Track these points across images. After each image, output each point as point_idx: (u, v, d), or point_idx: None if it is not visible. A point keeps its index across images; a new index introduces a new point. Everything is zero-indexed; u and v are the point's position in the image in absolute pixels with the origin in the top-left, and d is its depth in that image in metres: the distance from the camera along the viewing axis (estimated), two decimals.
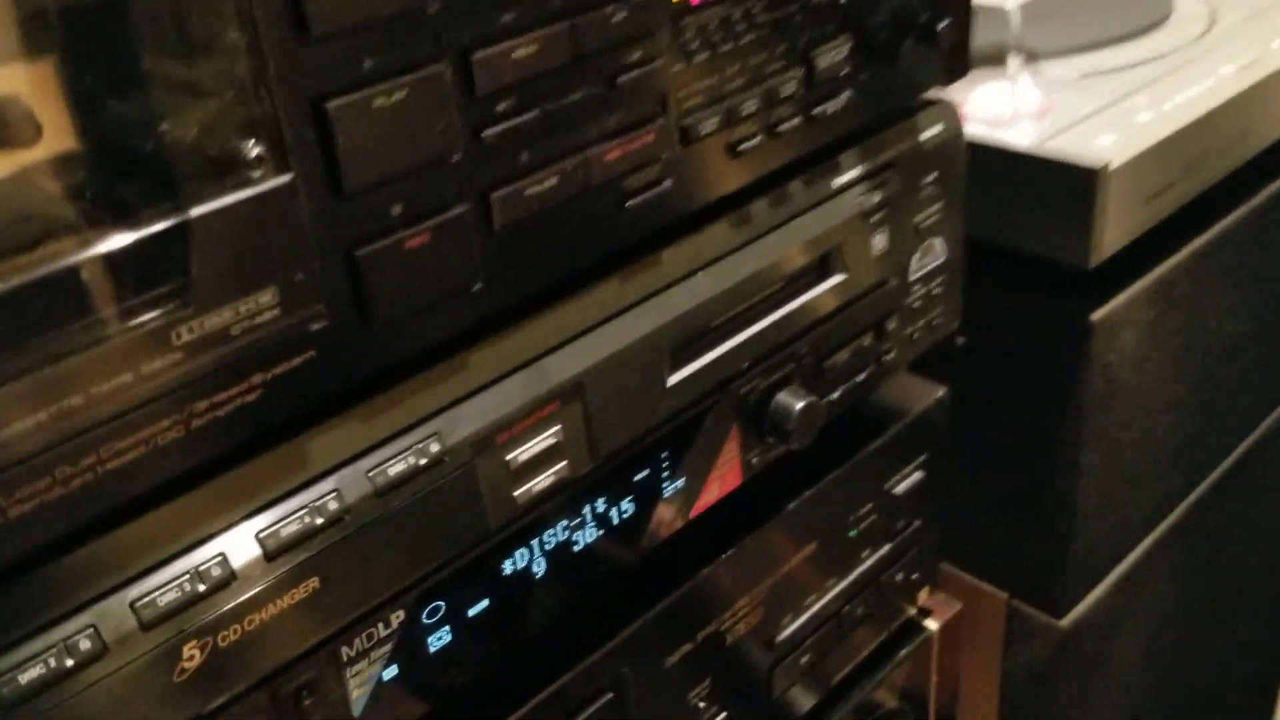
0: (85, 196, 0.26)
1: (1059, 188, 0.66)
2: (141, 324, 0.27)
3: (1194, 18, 0.84)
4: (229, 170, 0.28)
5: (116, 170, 0.26)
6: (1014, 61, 0.71)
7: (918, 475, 0.57)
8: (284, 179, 0.29)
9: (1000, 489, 0.78)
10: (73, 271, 0.26)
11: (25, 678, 0.28)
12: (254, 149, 0.28)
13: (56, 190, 0.25)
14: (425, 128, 0.31)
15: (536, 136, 0.34)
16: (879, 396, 0.57)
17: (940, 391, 0.58)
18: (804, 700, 0.57)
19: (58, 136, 0.26)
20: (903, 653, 0.62)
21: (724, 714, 0.51)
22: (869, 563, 0.56)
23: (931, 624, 0.64)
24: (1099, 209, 0.66)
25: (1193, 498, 0.89)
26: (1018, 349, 0.73)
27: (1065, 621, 0.80)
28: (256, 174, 0.28)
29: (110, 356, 0.27)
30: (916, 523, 0.59)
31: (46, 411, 0.26)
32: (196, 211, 0.27)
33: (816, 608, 0.54)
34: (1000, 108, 0.69)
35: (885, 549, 0.57)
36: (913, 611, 0.62)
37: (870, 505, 0.55)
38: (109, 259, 0.26)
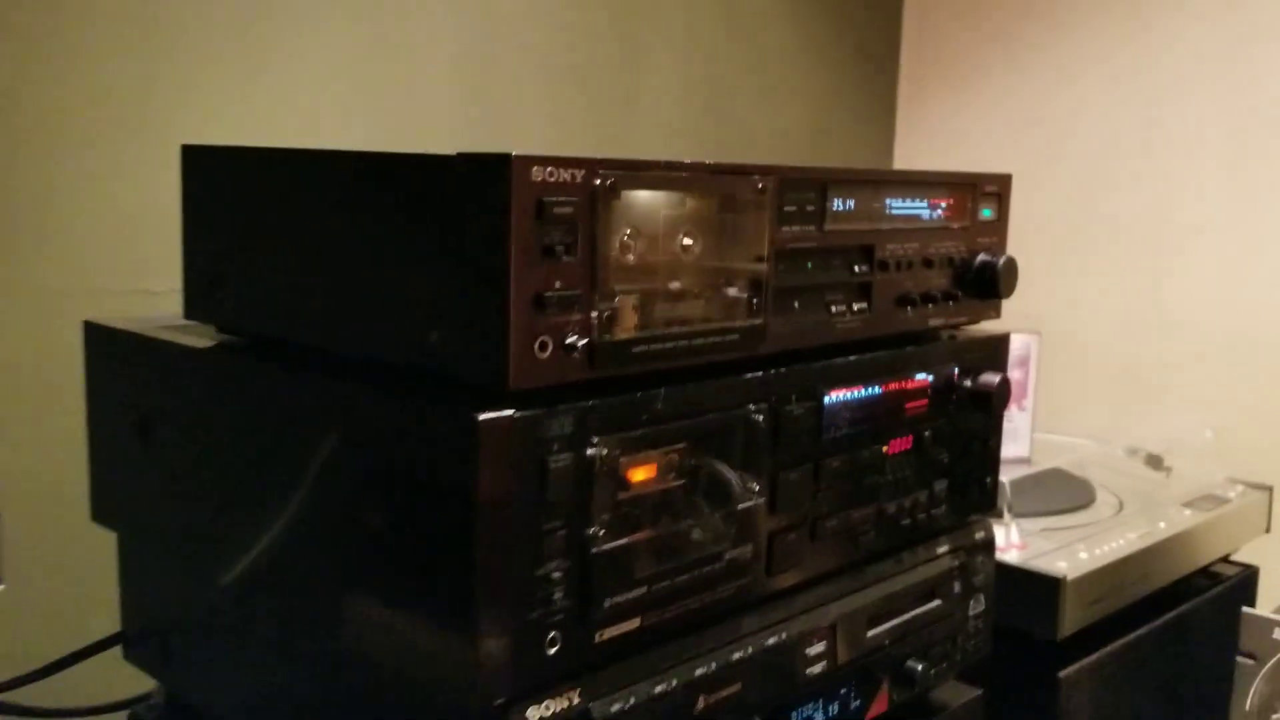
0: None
1: (1036, 589, 1.11)
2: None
3: (1109, 504, 1.33)
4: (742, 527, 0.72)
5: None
6: (1006, 515, 1.18)
7: None
8: (759, 500, 0.73)
9: None
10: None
11: None
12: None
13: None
14: (799, 493, 0.76)
15: (845, 497, 0.79)
16: (946, 689, 0.97)
17: (978, 692, 0.99)
18: None
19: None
20: None
21: None
22: None
23: None
24: (1061, 603, 1.10)
25: None
26: (1017, 689, 1.13)
27: None
28: (751, 498, 0.73)
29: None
30: None
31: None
32: (743, 506, 0.72)
33: None
34: (1000, 541, 1.15)
35: None
36: None
37: None
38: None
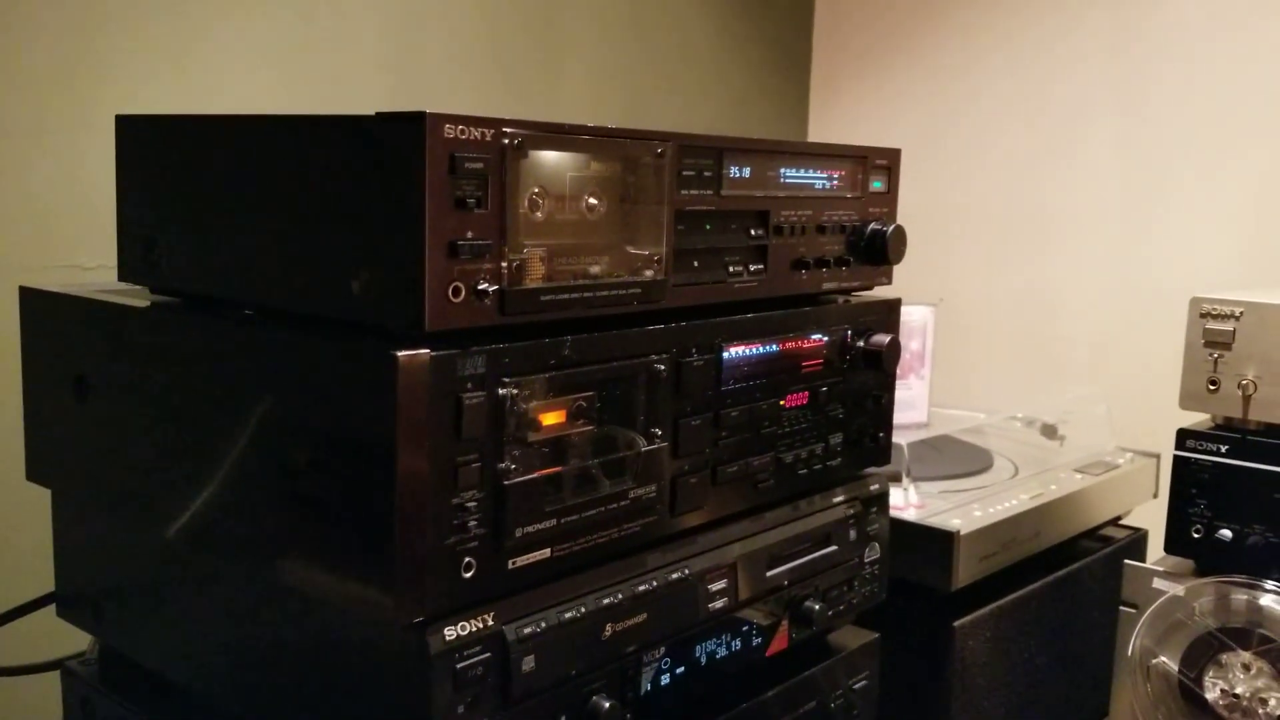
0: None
1: (932, 544, 1.18)
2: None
3: (1005, 469, 1.41)
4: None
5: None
6: (906, 478, 1.26)
7: (864, 681, 1.04)
8: (662, 445, 0.79)
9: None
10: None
11: None
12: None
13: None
14: (699, 439, 0.82)
15: (743, 445, 0.86)
16: (845, 634, 1.04)
17: (875, 635, 1.06)
18: None
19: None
20: None
21: None
22: None
23: None
24: (954, 557, 1.17)
25: None
26: (915, 639, 1.21)
27: None
28: (654, 442, 0.79)
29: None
30: (862, 714, 1.04)
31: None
32: (646, 449, 0.77)
33: None
34: (899, 501, 1.22)
35: None
36: None
37: (840, 690, 1.01)
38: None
